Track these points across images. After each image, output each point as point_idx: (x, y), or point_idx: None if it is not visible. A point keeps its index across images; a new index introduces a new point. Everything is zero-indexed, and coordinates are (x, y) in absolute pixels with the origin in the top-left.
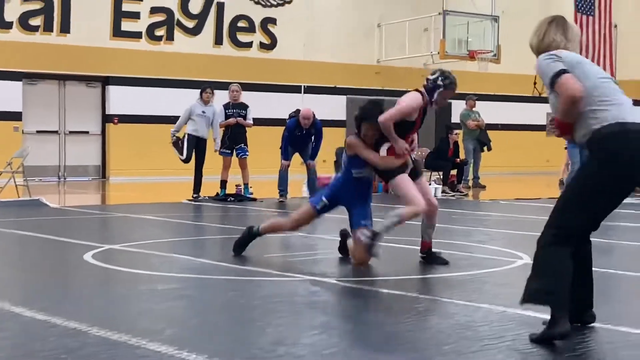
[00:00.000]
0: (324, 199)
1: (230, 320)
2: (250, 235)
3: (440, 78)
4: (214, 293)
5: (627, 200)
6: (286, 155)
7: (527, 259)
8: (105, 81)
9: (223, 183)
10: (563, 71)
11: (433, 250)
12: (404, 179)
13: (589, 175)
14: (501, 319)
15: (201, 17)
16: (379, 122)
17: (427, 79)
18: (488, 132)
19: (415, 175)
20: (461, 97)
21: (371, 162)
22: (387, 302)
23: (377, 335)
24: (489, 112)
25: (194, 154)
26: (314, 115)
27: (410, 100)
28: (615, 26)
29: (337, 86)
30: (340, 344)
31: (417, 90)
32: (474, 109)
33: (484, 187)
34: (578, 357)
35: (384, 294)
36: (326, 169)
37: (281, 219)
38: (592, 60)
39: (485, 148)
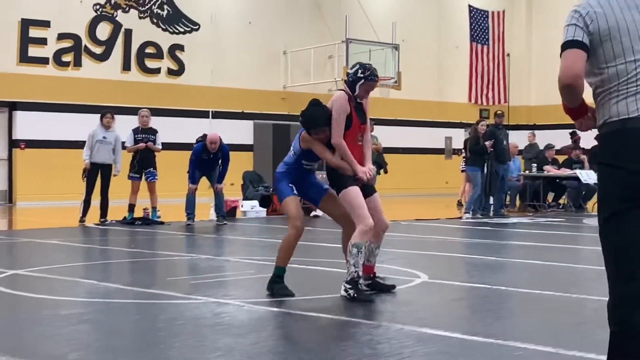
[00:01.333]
0: (291, 185)
1: (134, 343)
2: (276, 276)
3: (359, 70)
4: (118, 317)
5: (517, 220)
6: (193, 179)
7: (425, 278)
8: (12, 106)
9: (131, 207)
10: (570, 43)
11: (377, 275)
12: (355, 193)
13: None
14: (399, 337)
15: (109, 44)
16: (335, 145)
17: (348, 74)
18: (389, 155)
19: (367, 192)
20: None
21: (326, 159)
22: (290, 323)
23: (278, 356)
24: (390, 136)
25: (98, 179)
26: (220, 139)
27: (336, 103)
28: (508, 55)
29: (244, 111)
30: None
31: (340, 89)
32: (372, 133)
33: None
34: None
35: (288, 314)
36: (233, 192)
37: (285, 237)
38: (488, 87)
39: (381, 171)
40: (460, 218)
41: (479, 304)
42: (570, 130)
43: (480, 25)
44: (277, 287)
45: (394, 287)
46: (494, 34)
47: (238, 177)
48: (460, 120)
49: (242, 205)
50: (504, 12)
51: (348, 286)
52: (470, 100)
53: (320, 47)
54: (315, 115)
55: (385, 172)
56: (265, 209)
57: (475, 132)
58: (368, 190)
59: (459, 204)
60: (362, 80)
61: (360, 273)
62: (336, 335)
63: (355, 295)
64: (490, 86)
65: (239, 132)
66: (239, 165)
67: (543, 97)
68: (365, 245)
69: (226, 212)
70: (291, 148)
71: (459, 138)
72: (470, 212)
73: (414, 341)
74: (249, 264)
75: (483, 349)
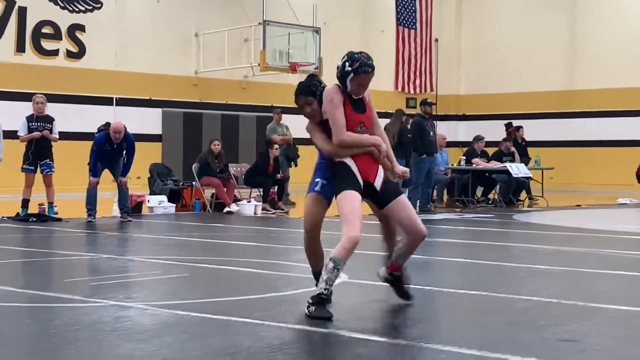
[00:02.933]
0: (318, 180)
1: (23, 351)
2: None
3: (347, 62)
4: (8, 322)
5: (444, 216)
6: (95, 171)
7: (344, 278)
8: None
9: (25, 202)
10: None
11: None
12: (349, 197)
13: None
14: (313, 340)
15: (1, 23)
16: (339, 146)
17: (337, 67)
18: (306, 146)
19: (387, 196)
20: (269, 110)
21: (327, 152)
22: (195, 327)
23: None
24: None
25: None
26: (125, 128)
27: (325, 96)
28: (437, 40)
29: (152, 98)
30: None
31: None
32: (281, 122)
33: (293, 204)
34: None
35: (194, 317)
36: (140, 186)
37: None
38: (415, 74)
39: (292, 163)
40: None
41: (402, 305)
42: (506, 122)
43: (408, 9)
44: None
45: (410, 297)
46: (422, 18)
47: (145, 170)
48: (386, 110)
49: (148, 201)
50: None
51: (310, 301)
52: (396, 88)
53: (235, 30)
54: (301, 84)
55: (296, 165)
56: (174, 205)
57: (402, 124)
58: (388, 194)
59: None
60: (352, 74)
61: (330, 292)
62: (247, 338)
63: (314, 312)
64: (418, 73)
65: (146, 121)
66: (146, 157)
67: (473, 86)
68: (341, 266)
69: (131, 208)
70: None
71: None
72: (417, 208)
73: (329, 345)
74: (154, 264)
75: (404, 352)
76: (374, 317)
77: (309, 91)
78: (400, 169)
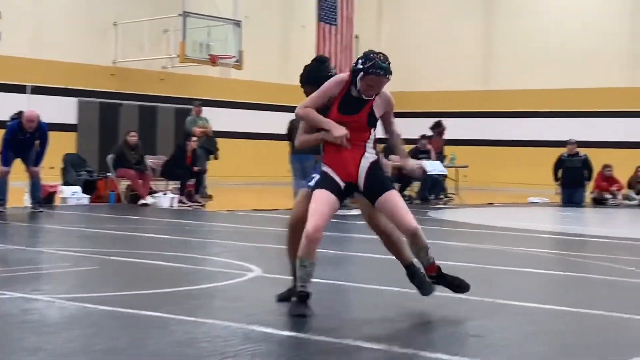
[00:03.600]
0: (315, 175)
1: None
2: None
3: (360, 60)
4: None
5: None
6: (6, 160)
7: (258, 272)
8: None
9: None
10: None
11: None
12: (318, 196)
13: None
14: (224, 335)
15: None
16: (296, 116)
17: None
18: (227, 139)
19: (375, 192)
20: (188, 102)
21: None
22: (103, 320)
23: (91, 355)
24: (229, 119)
25: None
26: (39, 117)
27: (328, 81)
28: (357, 37)
29: (68, 87)
30: None
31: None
32: (201, 115)
33: (210, 196)
34: None
35: (102, 311)
36: (53, 176)
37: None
38: (335, 69)
39: (212, 156)
40: None
41: (313, 300)
42: (436, 120)
43: (329, 5)
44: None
45: (463, 287)
46: (343, 14)
47: (58, 160)
48: None
49: (61, 191)
50: None
51: (292, 299)
52: None
53: (155, 20)
54: (307, 70)
55: (216, 157)
56: (88, 196)
57: None
58: (373, 191)
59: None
60: (361, 73)
61: (306, 289)
62: (155, 333)
63: (291, 310)
64: (338, 69)
65: (61, 110)
66: (60, 146)
67: (392, 83)
68: (306, 263)
69: (43, 199)
70: None
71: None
72: None
73: (241, 339)
74: (64, 256)
75: (313, 346)
76: (284, 311)
77: (314, 80)
78: (411, 162)
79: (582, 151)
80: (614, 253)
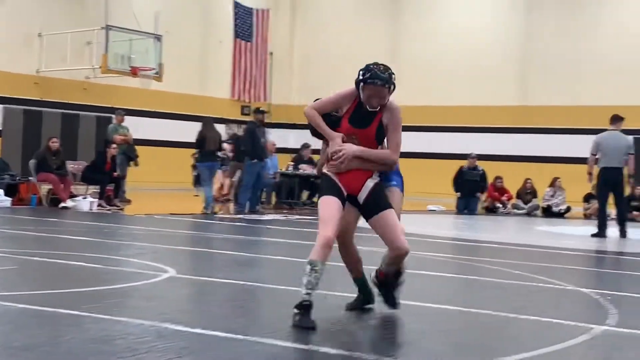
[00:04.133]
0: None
1: None
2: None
3: (361, 72)
4: None
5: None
6: None
7: (172, 273)
8: None
9: None
10: None
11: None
12: (327, 202)
13: None
14: (137, 332)
15: None
16: (304, 113)
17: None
18: (146, 147)
19: (376, 208)
20: (111, 111)
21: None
22: (22, 318)
23: (9, 351)
24: (148, 128)
25: None
26: None
27: (345, 90)
28: (271, 53)
29: None
30: None
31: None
32: (122, 123)
33: (129, 201)
34: None
35: (21, 309)
36: None
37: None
38: (250, 84)
39: (132, 163)
40: (215, 213)
41: (225, 300)
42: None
43: (245, 23)
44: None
45: (395, 306)
46: (258, 32)
47: None
48: (222, 116)
49: None
50: (268, 11)
51: (295, 310)
52: (232, 96)
53: (79, 32)
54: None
55: (136, 164)
56: (10, 199)
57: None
58: (372, 207)
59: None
60: (362, 83)
61: (311, 297)
62: (72, 330)
63: (297, 322)
64: (253, 83)
65: None
66: None
67: (304, 96)
68: (319, 266)
69: None
70: None
71: (220, 133)
72: (245, 208)
73: (154, 337)
74: None
75: (223, 344)
76: (196, 310)
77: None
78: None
79: (478, 164)
80: (503, 257)
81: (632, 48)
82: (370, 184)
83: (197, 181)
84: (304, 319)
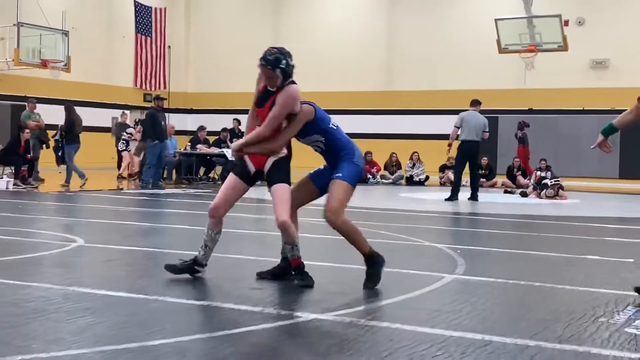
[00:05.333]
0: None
1: None
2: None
3: None
4: None
5: (172, 191)
6: None
7: (81, 242)
8: None
9: None
10: None
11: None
12: (228, 178)
13: None
14: (47, 295)
15: None
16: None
17: None
18: (54, 132)
19: (270, 179)
20: (25, 99)
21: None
22: None
23: None
24: (59, 115)
25: None
26: None
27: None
28: (169, 47)
29: None
30: None
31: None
32: (35, 110)
33: (42, 180)
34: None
35: None
36: None
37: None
38: (151, 74)
39: (44, 146)
40: (121, 189)
41: (128, 264)
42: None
43: (145, 19)
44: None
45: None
46: (157, 27)
47: None
48: (126, 102)
49: None
50: (165, 9)
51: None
52: (135, 85)
53: None
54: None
55: (48, 147)
56: None
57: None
58: (270, 181)
59: (120, 176)
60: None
61: (198, 254)
62: None
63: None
64: (153, 73)
65: None
66: None
67: (199, 85)
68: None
69: None
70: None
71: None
72: (149, 184)
73: (61, 299)
74: None
75: (125, 302)
76: (102, 274)
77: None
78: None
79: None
80: (371, 220)
81: (477, 40)
82: (270, 160)
83: (62, 160)
84: (303, 278)
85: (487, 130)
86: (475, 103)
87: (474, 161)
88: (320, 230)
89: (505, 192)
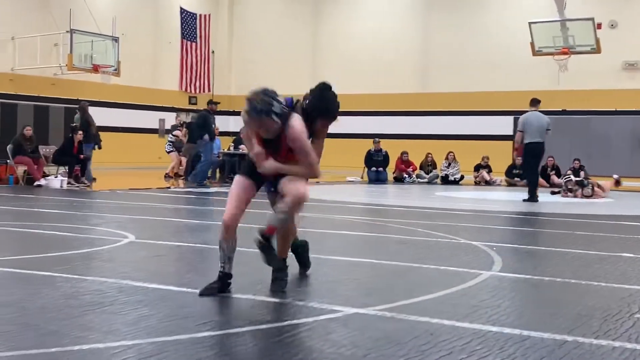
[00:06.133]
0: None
1: None
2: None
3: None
4: None
5: (215, 189)
6: None
7: (132, 238)
8: None
9: None
10: None
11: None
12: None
13: None
14: (102, 289)
15: None
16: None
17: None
18: (107, 133)
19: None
20: (77, 102)
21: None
22: (3, 279)
23: None
24: (109, 117)
25: None
26: None
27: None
28: (213, 51)
29: None
30: None
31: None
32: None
33: (94, 179)
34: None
35: (5, 272)
36: None
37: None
38: (196, 78)
39: (96, 146)
40: (169, 188)
41: (178, 260)
42: None
43: (190, 25)
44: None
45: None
46: (201, 33)
47: None
48: (172, 105)
49: None
50: (209, 15)
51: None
52: (180, 88)
53: (47, 35)
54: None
55: (100, 147)
56: None
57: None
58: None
59: (167, 176)
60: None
61: (224, 270)
62: (45, 288)
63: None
64: (198, 77)
65: None
66: None
67: (241, 87)
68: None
69: None
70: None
71: (170, 120)
72: (205, 179)
73: (115, 292)
74: None
75: (175, 296)
76: (152, 269)
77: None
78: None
79: (386, 142)
80: (407, 218)
81: (510, 42)
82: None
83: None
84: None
85: (550, 128)
86: (534, 102)
87: (537, 162)
88: (361, 228)
89: (553, 193)
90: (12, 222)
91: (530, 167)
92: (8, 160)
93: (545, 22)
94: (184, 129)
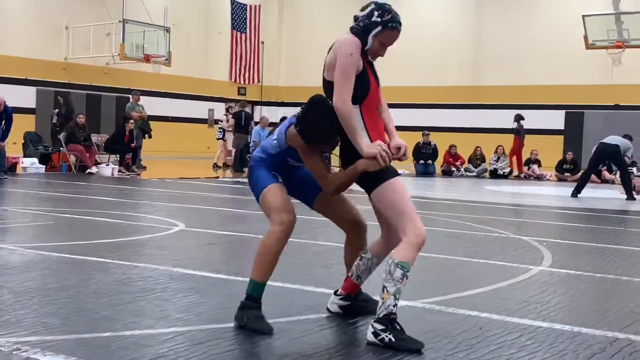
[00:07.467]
0: (270, 172)
1: None
2: (249, 296)
3: (376, 12)
4: None
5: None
6: None
7: (182, 227)
8: None
9: None
10: None
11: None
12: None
13: None
14: (154, 275)
15: None
16: (337, 111)
17: (356, 17)
18: (158, 122)
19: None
20: (129, 92)
21: (324, 182)
22: (56, 264)
23: (44, 292)
24: (160, 106)
25: None
26: (5, 102)
27: (345, 48)
28: (263, 42)
29: (28, 78)
30: None
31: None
32: (138, 102)
33: (144, 167)
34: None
35: (55, 257)
36: (15, 150)
37: (263, 240)
38: (245, 69)
39: (146, 135)
40: (218, 177)
41: (226, 248)
42: None
43: (240, 16)
44: (248, 314)
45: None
46: (251, 24)
47: (20, 137)
48: (221, 96)
49: (22, 162)
50: (259, 6)
51: (379, 327)
52: (230, 78)
53: (100, 25)
54: (316, 126)
55: (150, 137)
56: (44, 166)
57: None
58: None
59: (215, 166)
60: (379, 27)
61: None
62: (98, 274)
63: (392, 339)
64: (247, 68)
65: (23, 97)
66: (21, 126)
67: (291, 79)
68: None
69: (7, 167)
70: (275, 134)
71: (220, 110)
72: None
73: (167, 279)
74: (24, 214)
75: (224, 283)
76: (203, 257)
77: (333, 133)
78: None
79: (435, 135)
80: (456, 212)
81: (562, 36)
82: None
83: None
84: (402, 338)
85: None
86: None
87: (614, 162)
88: None
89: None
90: (65, 208)
91: (594, 165)
92: (61, 148)
93: (599, 15)
94: (230, 119)
